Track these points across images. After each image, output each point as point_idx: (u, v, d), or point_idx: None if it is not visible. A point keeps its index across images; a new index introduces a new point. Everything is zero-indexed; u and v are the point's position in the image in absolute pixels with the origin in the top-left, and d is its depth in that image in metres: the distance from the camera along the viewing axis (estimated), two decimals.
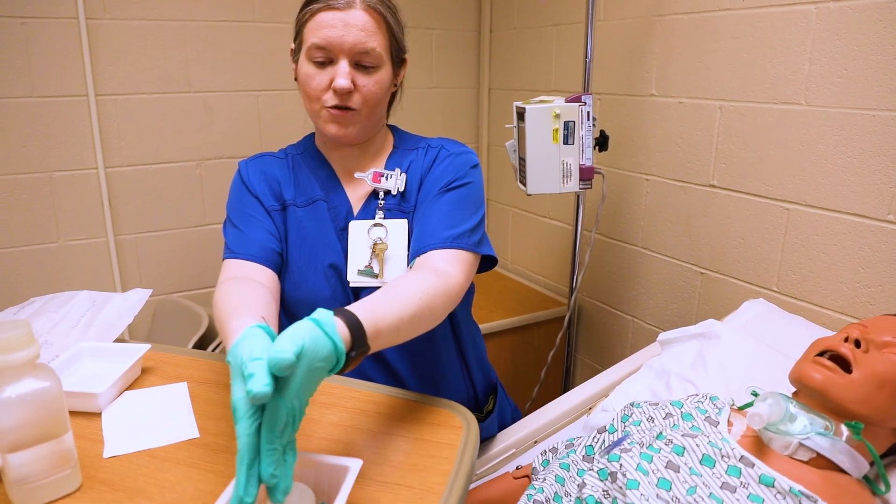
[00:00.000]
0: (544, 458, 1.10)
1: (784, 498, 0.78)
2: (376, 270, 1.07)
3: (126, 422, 0.89)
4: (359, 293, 1.09)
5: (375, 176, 1.09)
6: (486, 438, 1.31)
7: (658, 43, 1.77)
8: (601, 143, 1.72)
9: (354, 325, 0.72)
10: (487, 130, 2.65)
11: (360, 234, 1.09)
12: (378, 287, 1.05)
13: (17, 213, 1.89)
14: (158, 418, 0.90)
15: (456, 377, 1.22)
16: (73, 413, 0.78)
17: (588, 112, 1.58)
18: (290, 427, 0.62)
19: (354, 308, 0.75)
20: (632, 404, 1.06)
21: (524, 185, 1.64)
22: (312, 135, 1.19)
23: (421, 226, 1.05)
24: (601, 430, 1.05)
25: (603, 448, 1.01)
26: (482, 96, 2.62)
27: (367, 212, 1.11)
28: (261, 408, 0.61)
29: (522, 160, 1.63)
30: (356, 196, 1.13)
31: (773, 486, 0.79)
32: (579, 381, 1.47)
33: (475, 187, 1.10)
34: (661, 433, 0.92)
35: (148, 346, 1.03)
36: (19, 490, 0.70)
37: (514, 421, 1.37)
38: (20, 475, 0.69)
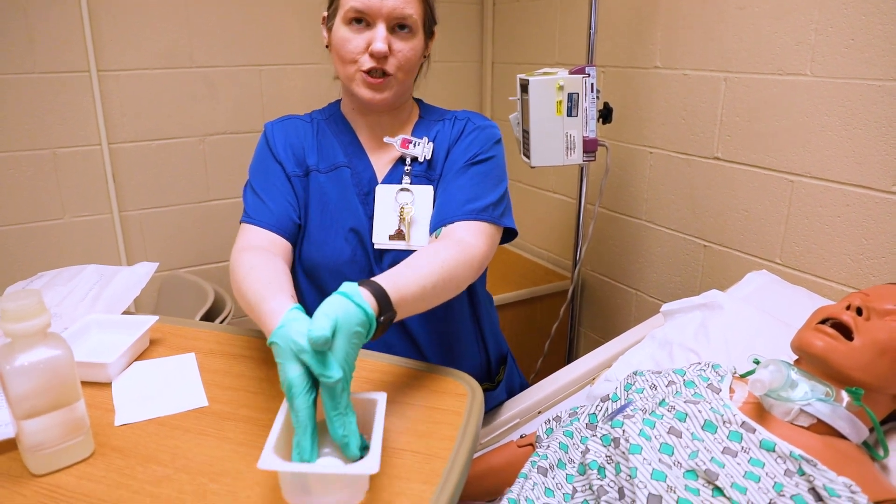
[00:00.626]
0: (548, 426, 1.12)
1: (784, 462, 0.79)
2: (404, 234, 1.10)
3: (136, 391, 0.90)
4: (382, 256, 1.12)
5: (404, 142, 1.12)
6: (495, 406, 1.33)
7: (662, 14, 1.75)
8: (605, 115, 1.71)
9: (379, 293, 0.78)
10: (491, 104, 2.64)
11: (387, 198, 1.11)
12: (403, 250, 1.09)
13: (21, 189, 1.90)
14: (168, 387, 0.91)
15: (471, 347, 1.25)
16: (83, 383, 0.79)
17: (592, 84, 1.57)
18: (346, 391, 0.68)
19: (378, 279, 0.81)
20: (635, 373, 1.07)
21: (528, 157, 1.64)
22: (338, 102, 1.20)
23: (444, 198, 1.08)
24: (604, 399, 1.07)
25: (606, 416, 1.02)
26: (485, 70, 2.60)
27: (393, 178, 1.13)
28: (314, 384, 0.67)
29: (526, 132, 1.63)
30: (381, 162, 1.15)
31: (774, 451, 0.80)
32: (582, 355, 1.48)
33: (498, 161, 1.13)
34: (663, 400, 0.93)
35: (156, 318, 1.04)
36: (34, 456, 0.72)
37: (521, 391, 1.38)
38: (35, 442, 0.71)
